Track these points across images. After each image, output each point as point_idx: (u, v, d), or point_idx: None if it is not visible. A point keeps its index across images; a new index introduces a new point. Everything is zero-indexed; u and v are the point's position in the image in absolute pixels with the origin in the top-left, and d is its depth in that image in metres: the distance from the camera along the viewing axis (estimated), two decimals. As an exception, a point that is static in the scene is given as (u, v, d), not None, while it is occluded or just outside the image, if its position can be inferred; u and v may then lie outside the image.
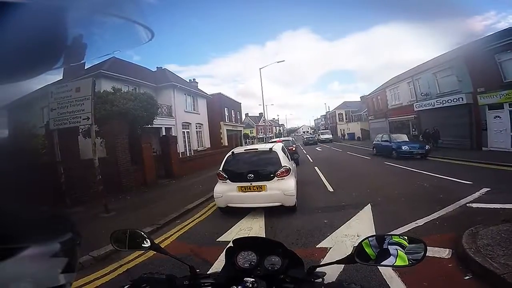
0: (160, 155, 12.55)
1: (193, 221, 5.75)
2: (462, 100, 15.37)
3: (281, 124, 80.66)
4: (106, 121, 8.87)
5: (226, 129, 27.80)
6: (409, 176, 8.92)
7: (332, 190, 7.47)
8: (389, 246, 0.90)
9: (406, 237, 0.92)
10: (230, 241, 1.19)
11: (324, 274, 1.02)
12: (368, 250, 0.92)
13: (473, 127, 14.93)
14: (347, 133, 42.20)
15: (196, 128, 21.67)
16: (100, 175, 6.48)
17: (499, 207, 4.70)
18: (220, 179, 5.68)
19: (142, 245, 1.15)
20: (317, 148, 28.29)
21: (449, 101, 16.48)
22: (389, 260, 0.89)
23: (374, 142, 17.88)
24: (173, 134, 16.11)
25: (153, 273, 1.06)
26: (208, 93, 25.16)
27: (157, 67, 19.93)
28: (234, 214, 5.55)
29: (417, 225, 4.27)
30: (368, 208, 5.41)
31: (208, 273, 1.13)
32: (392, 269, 2.85)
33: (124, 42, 0.64)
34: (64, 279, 0.56)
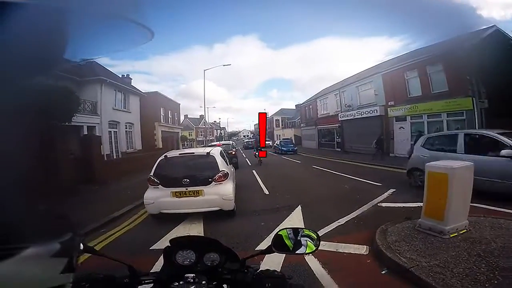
0: (80, 158, 10.94)
1: (121, 229, 5.21)
2: (376, 112, 18.04)
3: (223, 128, 79.90)
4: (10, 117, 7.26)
5: (162, 130, 26.16)
6: (332, 178, 9.95)
7: (268, 193, 7.79)
8: (301, 238, 1.12)
9: (313, 231, 1.15)
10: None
11: (257, 267, 1.12)
12: (287, 241, 1.12)
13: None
14: (283, 138, 44.73)
15: (126, 128, 19.69)
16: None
17: (401, 206, 5.60)
18: (151, 185, 5.27)
19: None
20: (255, 152, 29.20)
21: (367, 112, 19.15)
22: (301, 249, 1.11)
23: (274, 145, 31.63)
24: (97, 134, 14.33)
25: (90, 273, 1.00)
26: (144, 91, 23.23)
27: (83, 59, 17.24)
28: (170, 220, 5.20)
29: (339, 224, 4.75)
30: (298, 209, 5.78)
31: (148, 272, 1.09)
32: (322, 267, 3.15)
33: (124, 42, 0.66)
34: (64, 279, 0.57)
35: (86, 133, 13.73)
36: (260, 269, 1.10)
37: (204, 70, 24.96)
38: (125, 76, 22.84)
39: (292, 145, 25.89)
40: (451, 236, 3.49)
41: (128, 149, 19.37)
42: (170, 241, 1.15)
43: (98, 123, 15.67)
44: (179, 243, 1.15)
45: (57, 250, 0.54)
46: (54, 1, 0.51)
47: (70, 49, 0.54)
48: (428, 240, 3.51)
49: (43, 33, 0.48)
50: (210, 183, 5.19)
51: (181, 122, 38.48)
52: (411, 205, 5.45)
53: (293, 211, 5.66)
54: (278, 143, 27.85)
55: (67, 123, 9.56)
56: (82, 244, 1.05)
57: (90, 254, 1.12)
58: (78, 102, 10.40)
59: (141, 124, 21.66)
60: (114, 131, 17.89)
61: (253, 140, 46.23)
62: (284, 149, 24.69)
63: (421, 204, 4.02)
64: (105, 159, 13.95)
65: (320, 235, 1.15)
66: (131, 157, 17.02)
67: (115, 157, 16.86)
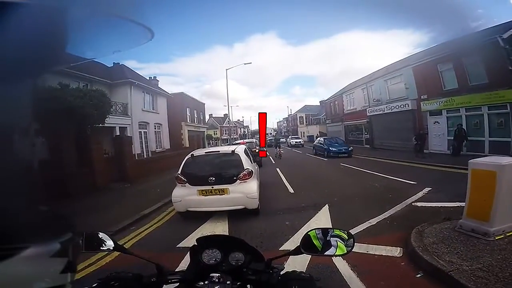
0: (113, 157, 11.59)
1: (150, 227, 5.39)
2: (408, 106, 17.02)
3: (246, 126, 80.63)
4: (50, 120, 7.91)
5: (188, 130, 26.96)
6: (361, 176, 9.52)
7: (293, 192, 7.65)
8: (331, 238, 1.06)
9: (345, 231, 1.09)
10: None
11: (282, 267, 1.09)
12: (315, 242, 1.07)
13: (416, 131, 16.54)
14: (307, 136, 44.03)
15: (155, 128, 20.56)
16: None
17: (439, 206, 5.21)
18: (179, 183, 5.40)
19: (104, 246, 1.13)
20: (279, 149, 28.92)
21: (397, 106, 18.14)
22: (331, 251, 1.06)
23: (313, 144, 21.97)
24: (129, 134, 15.07)
25: (119, 272, 1.06)
26: (170, 92, 24.13)
27: (114, 62, 18.32)
28: (196, 218, 5.30)
29: (370, 224, 4.51)
30: (325, 208, 5.59)
31: (175, 270, 1.12)
32: (351, 269, 2.99)
33: (124, 42, 0.66)
34: (64, 279, 0.57)
35: (118, 134, 14.51)
36: (285, 270, 1.08)
37: (226, 69, 25.03)
38: (153, 78, 23.81)
39: (338, 144, 17.63)
40: (497, 238, 3.19)
41: (157, 148, 20.19)
42: (197, 240, 1.17)
43: (129, 124, 16.50)
44: (205, 242, 1.16)
45: (57, 250, 0.54)
46: (54, 1, 0.50)
47: (70, 48, 0.54)
48: (470, 242, 3.24)
49: (43, 33, 0.47)
50: (235, 181, 5.21)
51: (206, 121, 39.36)
52: (450, 205, 5.06)
53: (319, 211, 5.49)
54: (322, 141, 19.03)
55: (101, 125, 10.16)
56: (113, 242, 1.14)
57: (119, 252, 1.19)
58: (110, 104, 10.99)
59: (168, 124, 22.51)
60: (144, 131, 18.74)
61: (273, 138, 45.88)
62: (334, 149, 16.63)
63: (462, 203, 3.70)
64: (136, 158, 14.64)
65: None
66: (159, 156, 17.72)
67: (145, 156, 17.64)
